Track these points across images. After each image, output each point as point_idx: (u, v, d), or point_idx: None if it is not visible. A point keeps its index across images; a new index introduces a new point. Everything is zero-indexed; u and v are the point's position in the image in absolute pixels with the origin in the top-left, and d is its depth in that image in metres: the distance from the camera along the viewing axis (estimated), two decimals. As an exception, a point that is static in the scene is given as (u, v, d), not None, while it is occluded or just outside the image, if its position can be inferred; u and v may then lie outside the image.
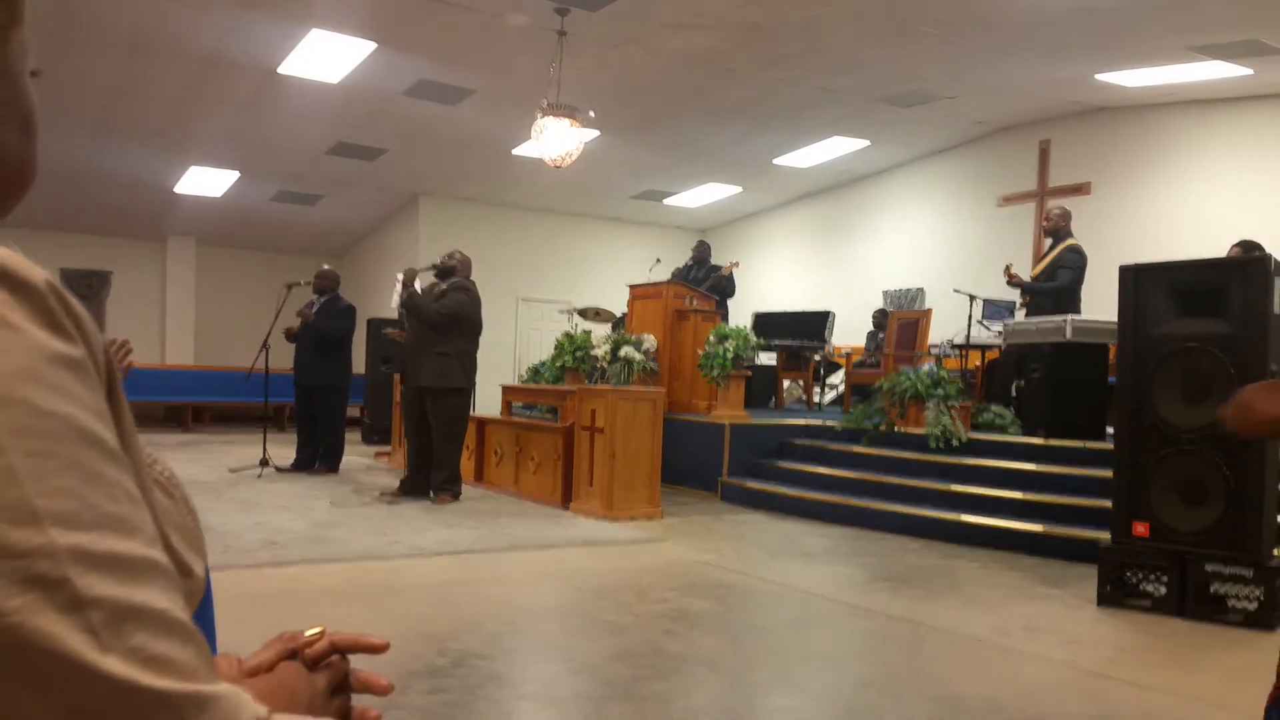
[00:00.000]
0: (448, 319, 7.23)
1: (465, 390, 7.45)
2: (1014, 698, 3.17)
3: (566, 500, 7.32)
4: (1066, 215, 8.13)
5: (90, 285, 14.33)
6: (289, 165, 12.19)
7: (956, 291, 8.92)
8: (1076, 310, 7.70)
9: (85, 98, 9.54)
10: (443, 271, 7.47)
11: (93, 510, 0.44)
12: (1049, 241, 8.29)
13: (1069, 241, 7.99)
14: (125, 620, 0.43)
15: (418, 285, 7.37)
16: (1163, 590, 4.48)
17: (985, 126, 11.35)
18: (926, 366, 8.00)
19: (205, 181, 12.64)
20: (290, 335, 8.72)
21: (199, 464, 9.01)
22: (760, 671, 3.46)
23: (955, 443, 7.06)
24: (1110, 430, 6.98)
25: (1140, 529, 4.56)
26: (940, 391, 7.31)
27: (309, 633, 0.86)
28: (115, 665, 0.42)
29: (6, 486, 0.41)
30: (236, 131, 10.87)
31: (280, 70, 9.04)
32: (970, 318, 8.79)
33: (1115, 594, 4.60)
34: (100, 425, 0.47)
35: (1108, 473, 6.07)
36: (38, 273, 0.47)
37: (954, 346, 9.20)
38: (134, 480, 0.48)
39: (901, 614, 4.28)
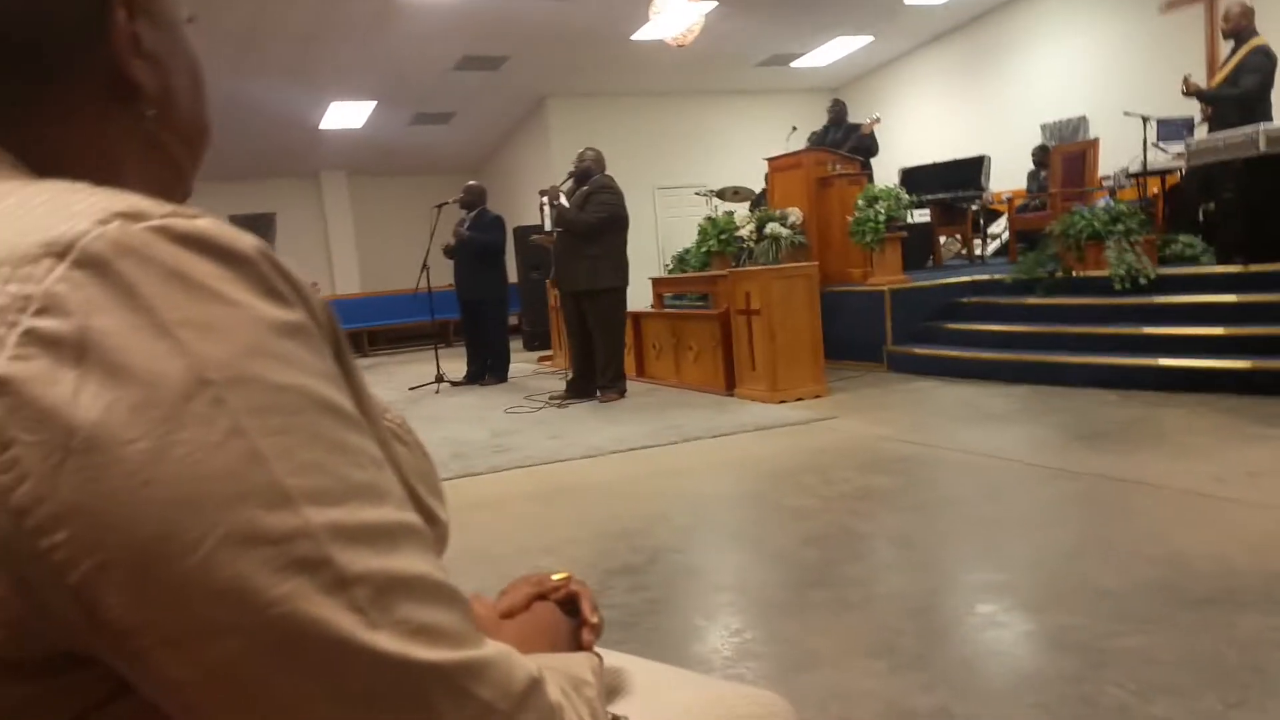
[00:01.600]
0: (602, 224, 7.18)
1: (620, 289, 7.43)
2: (1247, 553, 2.95)
3: (730, 386, 7.28)
4: (1248, 12, 7.26)
5: (258, 228, 15.05)
6: (420, 86, 12.29)
7: (1127, 114, 8.18)
8: (1267, 117, 6.95)
9: (219, 44, 9.79)
10: (580, 175, 7.39)
11: (342, 482, 0.43)
12: (1229, 45, 7.46)
13: (1255, 41, 7.17)
14: (390, 593, 0.42)
15: (563, 199, 7.32)
16: (1403, 418, 4.06)
17: (1143, -72, 10.21)
18: (1102, 202, 7.42)
19: (346, 114, 12.96)
20: (449, 252, 8.92)
21: (381, 386, 9.44)
22: (960, 546, 3.35)
23: (1142, 281, 6.56)
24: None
25: (1372, 354, 4.12)
26: (1120, 227, 6.78)
27: (555, 577, 0.88)
28: (386, 641, 0.41)
29: (255, 469, 0.40)
30: (367, 60, 10.98)
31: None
32: (1145, 141, 8.07)
33: (1346, 427, 4.21)
34: (334, 390, 0.45)
35: (1323, 294, 5.56)
36: (248, 240, 0.45)
37: (1128, 175, 8.51)
38: (374, 440, 0.46)
39: (1105, 472, 4.05)
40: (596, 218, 7.17)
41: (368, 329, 14.71)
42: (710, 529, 3.88)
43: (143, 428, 0.39)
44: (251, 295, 0.43)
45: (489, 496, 4.57)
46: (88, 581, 0.39)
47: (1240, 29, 7.24)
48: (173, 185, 0.62)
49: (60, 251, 0.41)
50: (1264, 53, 7.11)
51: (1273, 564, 2.84)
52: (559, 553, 3.56)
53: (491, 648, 0.46)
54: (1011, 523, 3.57)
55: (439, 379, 8.87)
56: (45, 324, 0.40)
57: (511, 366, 9.46)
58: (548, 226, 7.38)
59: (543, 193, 7.38)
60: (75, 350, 0.39)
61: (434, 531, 0.55)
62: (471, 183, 9.30)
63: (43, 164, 0.52)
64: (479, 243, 8.81)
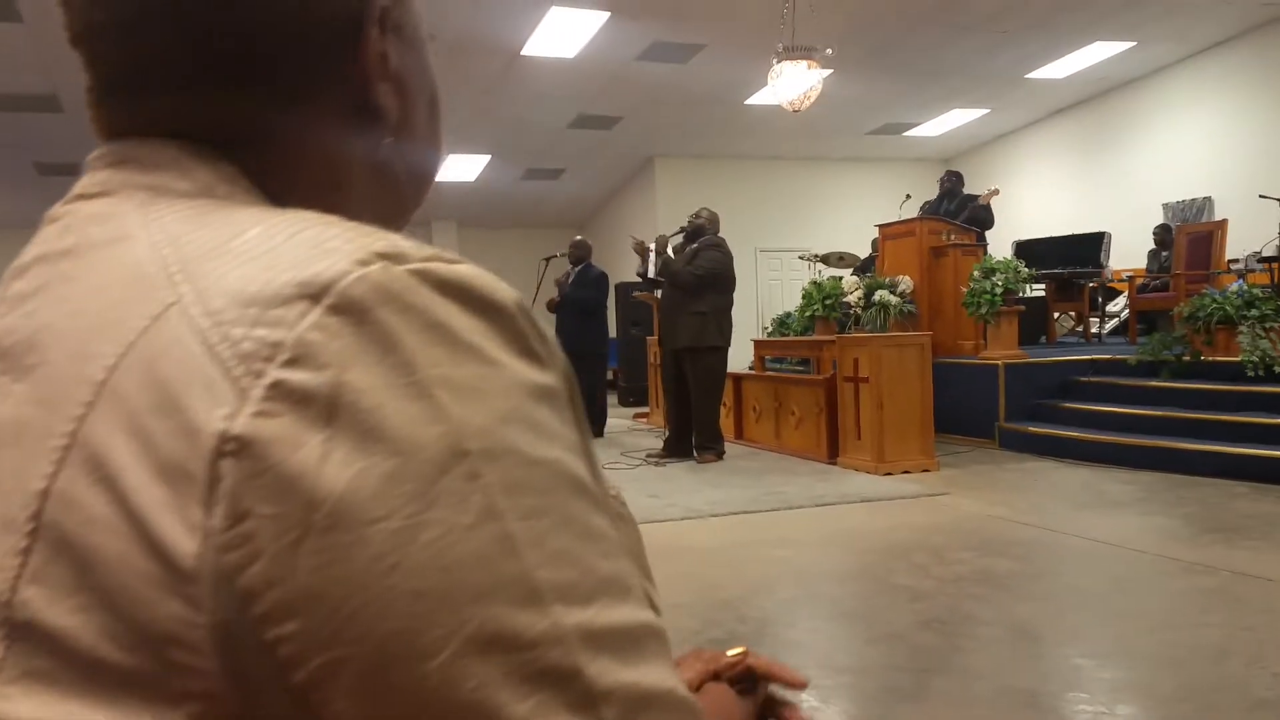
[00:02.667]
0: (704, 279, 7.16)
1: (722, 348, 7.37)
2: None
3: (833, 454, 7.11)
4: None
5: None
6: (534, 143, 12.60)
7: (1263, 197, 7.85)
8: None
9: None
10: (692, 232, 7.41)
11: (591, 575, 0.37)
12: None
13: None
14: (639, 713, 0.37)
15: (670, 250, 7.36)
16: None
17: (1272, 10, 9.88)
18: (1235, 284, 7.09)
19: (460, 167, 13.35)
20: (552, 306, 9.02)
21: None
22: (1092, 641, 3.15)
23: (1277, 369, 6.22)
24: None
25: None
26: (1255, 312, 6.46)
27: (730, 653, 0.80)
28: None
29: (506, 559, 0.35)
30: (485, 115, 11.30)
31: (523, 52, 9.27)
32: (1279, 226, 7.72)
33: None
34: (583, 466, 0.40)
35: None
36: (507, 291, 0.41)
37: (1260, 259, 8.12)
38: (612, 523, 0.41)
39: (1245, 569, 3.78)
40: (700, 273, 7.15)
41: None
42: (819, 603, 3.74)
43: (393, 504, 0.34)
44: (509, 354, 0.39)
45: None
46: (315, 682, 0.34)
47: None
48: (394, 219, 0.57)
49: (316, 294, 0.36)
50: None
51: None
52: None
53: None
54: (1145, 617, 3.34)
55: (536, 432, 8.91)
56: (296, 376, 0.35)
57: (608, 422, 9.45)
58: (651, 273, 7.39)
59: (654, 240, 7.42)
60: (326, 409, 0.35)
61: None
62: (578, 238, 9.42)
63: (279, 189, 0.48)
64: (580, 300, 8.89)
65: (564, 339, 8.96)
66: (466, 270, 0.40)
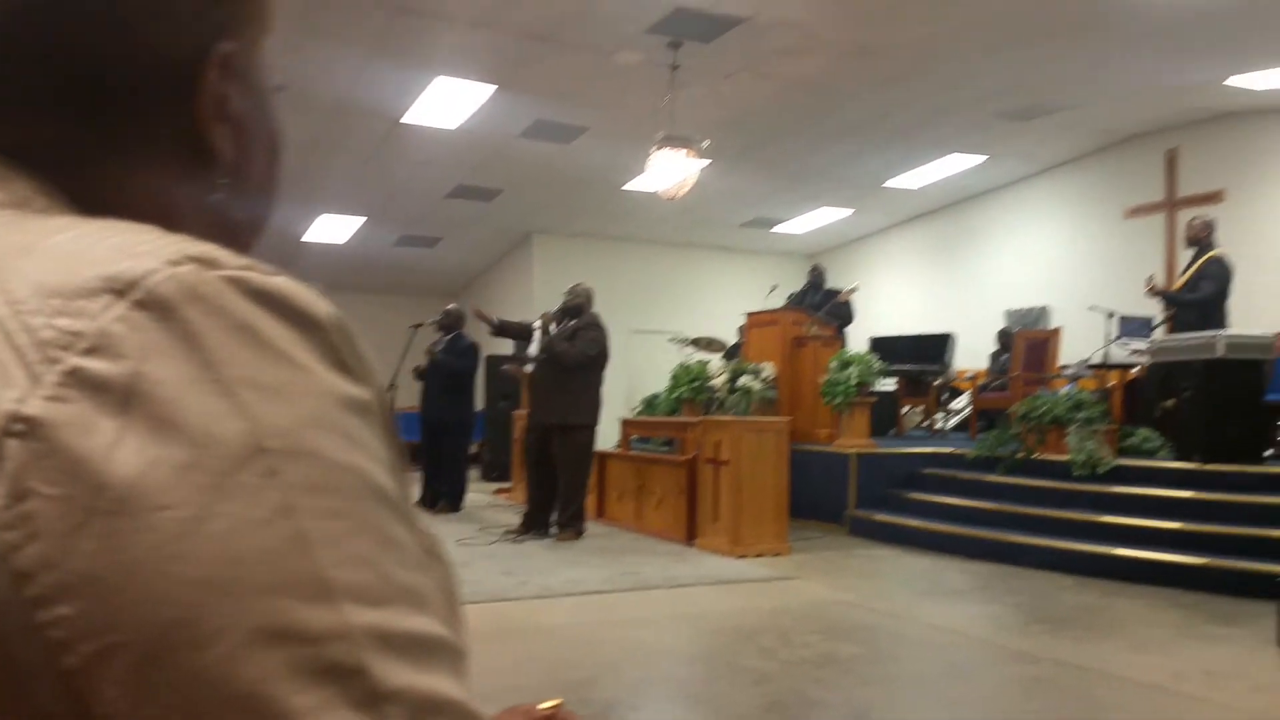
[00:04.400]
0: (590, 360, 7.28)
1: (592, 426, 7.44)
2: (1212, 756, 2.91)
3: (691, 536, 7.20)
4: (1209, 225, 7.69)
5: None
6: (411, 210, 12.53)
7: (1093, 308, 8.51)
8: (1222, 324, 7.27)
9: (216, 152, 9.97)
10: (572, 310, 7.49)
11: (387, 581, 0.37)
12: (1191, 253, 7.86)
13: (1214, 252, 7.56)
14: (425, 717, 0.36)
15: (552, 327, 7.42)
16: (1358, 631, 4.10)
17: (1109, 136, 10.88)
18: (1066, 388, 7.62)
19: (332, 229, 13.10)
20: (419, 373, 8.89)
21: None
22: (923, 723, 3.28)
23: (1101, 470, 6.68)
24: (1268, 453, 6.55)
25: (1328, 564, 4.19)
26: (1082, 414, 6.95)
27: (542, 706, 0.80)
28: None
29: (298, 555, 0.35)
30: (362, 179, 11.21)
31: (404, 120, 9.29)
32: (1107, 335, 8.37)
33: (1302, 635, 4.22)
34: (389, 479, 0.40)
35: (1275, 498, 5.69)
36: (325, 306, 0.41)
37: (1089, 366, 8.76)
38: (418, 540, 0.41)
39: (1067, 659, 4.02)
40: (586, 353, 7.26)
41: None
42: (665, 686, 3.77)
43: (184, 493, 0.34)
44: (321, 364, 0.39)
45: (439, 628, 4.41)
46: (85, 668, 0.33)
47: (1201, 239, 7.65)
48: None
49: (122, 289, 0.37)
50: (1221, 263, 7.49)
51: (1238, 772, 2.81)
52: (499, 700, 3.40)
53: None
54: (977, 704, 3.50)
55: (392, 501, 8.67)
56: (93, 364, 0.35)
57: (468, 496, 9.31)
58: (533, 351, 7.43)
59: (539, 318, 7.47)
60: (122, 397, 0.35)
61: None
62: (450, 306, 9.37)
63: (98, 212, 0.47)
64: (451, 367, 8.81)
65: (428, 407, 8.92)
66: (282, 281, 0.41)
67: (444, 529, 7.75)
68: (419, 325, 8.87)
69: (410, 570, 0.39)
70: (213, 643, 0.33)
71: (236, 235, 0.56)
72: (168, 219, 0.48)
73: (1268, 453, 6.44)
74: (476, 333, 9.61)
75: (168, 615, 0.33)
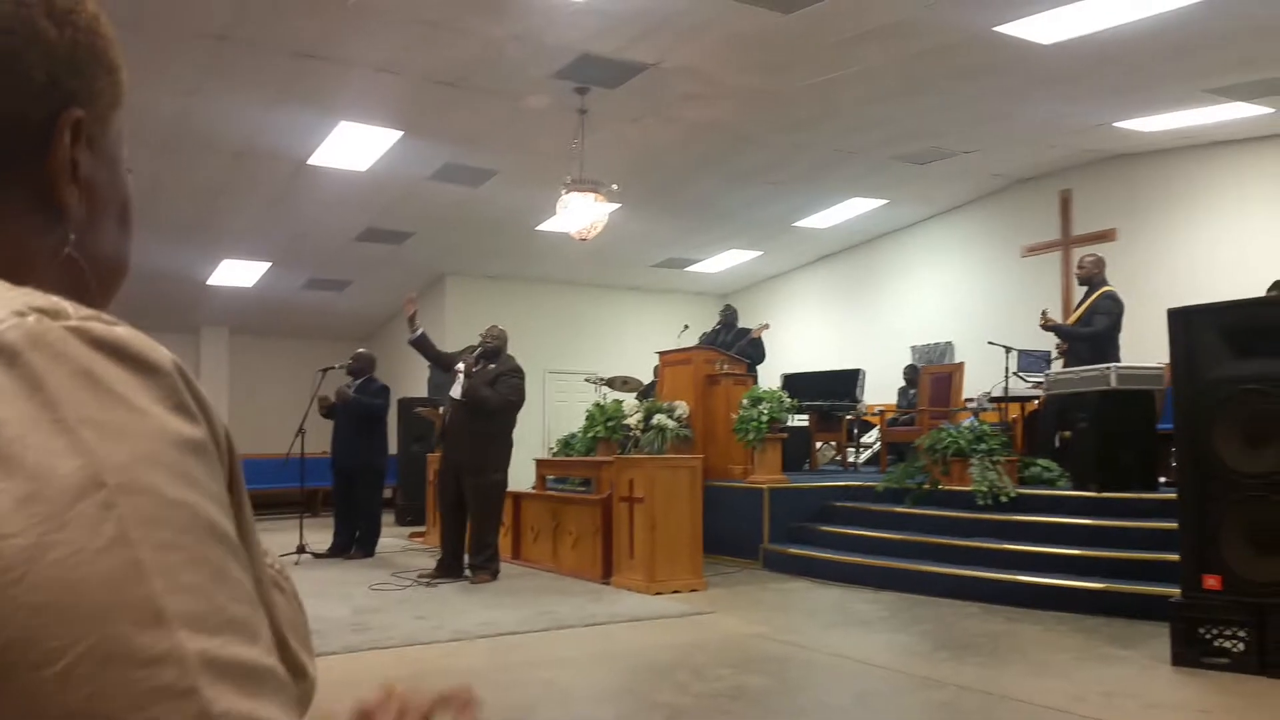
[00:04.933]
0: (510, 405, 7.31)
1: (505, 468, 7.40)
2: (1105, 770, 3.01)
3: (607, 574, 7.18)
4: (1100, 263, 8.05)
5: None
6: (319, 253, 12.35)
7: (991, 344, 8.81)
8: (1115, 357, 7.58)
9: (116, 195, 9.71)
10: (490, 353, 7.46)
11: (219, 612, 0.40)
12: (1083, 290, 8.20)
13: (1105, 289, 7.90)
14: None
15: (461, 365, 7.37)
16: (1241, 646, 4.27)
17: (1004, 179, 11.35)
18: (968, 421, 7.85)
19: (237, 273, 12.81)
20: (325, 409, 8.69)
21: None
22: (831, 751, 3.31)
23: (1004, 499, 6.89)
24: (1162, 480, 6.85)
25: (1211, 582, 4.38)
26: (984, 446, 7.16)
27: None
28: None
29: (134, 584, 0.38)
30: (268, 223, 11.03)
31: (310, 161, 9.20)
32: (1006, 370, 8.66)
33: (1190, 653, 4.39)
34: (224, 517, 0.43)
35: (1168, 524, 5.91)
36: (164, 353, 0.45)
37: (991, 399, 9.05)
38: (252, 578, 0.44)
39: (971, 684, 4.11)
40: (509, 400, 7.29)
41: (231, 491, 14.00)
42: (579, 723, 3.73)
43: (23, 523, 0.36)
44: (159, 407, 0.42)
45: (341, 679, 4.29)
46: None
47: (1092, 276, 7.99)
48: None
49: None
50: (1112, 298, 7.83)
51: (1129, 784, 2.90)
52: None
53: None
54: (881, 731, 3.55)
55: (301, 549, 8.45)
56: None
57: (381, 540, 9.13)
58: (455, 394, 7.35)
59: (462, 362, 7.41)
60: None
61: (300, 686, 0.52)
62: (361, 350, 9.24)
63: None
64: (362, 405, 8.67)
65: (339, 451, 8.74)
66: (123, 331, 0.44)
67: (357, 575, 7.58)
68: (328, 369, 8.74)
69: (241, 603, 0.42)
70: (50, 663, 0.35)
71: (87, 290, 0.58)
72: (19, 273, 0.51)
73: (1162, 480, 6.72)
74: (387, 377, 9.51)
75: (7, 636, 0.35)
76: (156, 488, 0.40)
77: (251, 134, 8.57)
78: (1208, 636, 4.39)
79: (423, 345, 7.67)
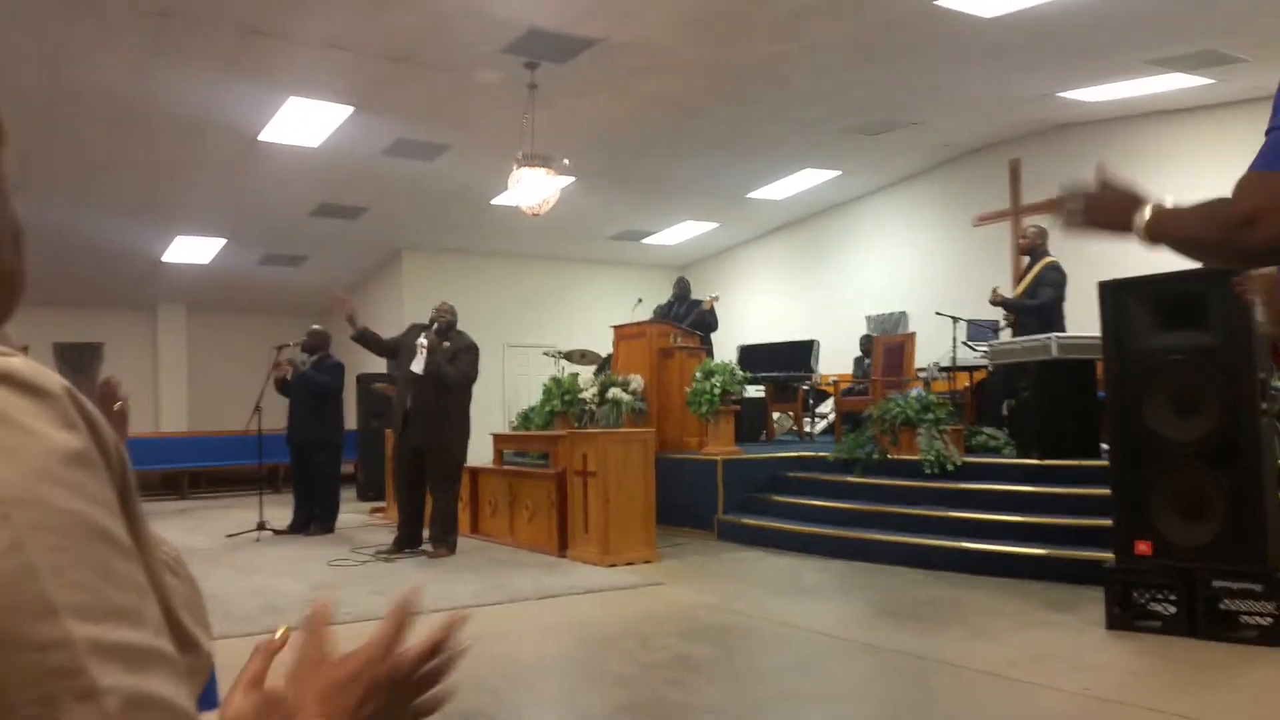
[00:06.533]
0: (470, 381, 7.40)
1: (464, 442, 7.46)
2: (1026, 730, 3.14)
3: (562, 547, 7.26)
4: (1043, 233, 8.17)
5: (83, 358, 14.29)
6: (274, 229, 12.23)
7: (939, 314, 8.94)
8: (1061, 327, 7.72)
9: (68, 172, 9.56)
10: (445, 329, 7.47)
11: (105, 603, 0.46)
12: (1026, 260, 8.34)
13: (1048, 259, 8.04)
14: (136, 707, 0.45)
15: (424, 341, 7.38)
16: (1172, 610, 4.43)
17: (953, 150, 11.46)
18: (915, 391, 7.99)
19: (192, 249, 12.67)
20: (280, 384, 8.67)
21: (197, 531, 8.92)
22: (766, 716, 3.42)
23: (950, 467, 7.04)
24: (1104, 447, 7.02)
25: (1143, 547, 4.54)
26: (931, 416, 7.30)
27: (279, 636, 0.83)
28: None
29: (27, 582, 0.44)
30: (221, 199, 10.90)
31: (261, 137, 9.10)
32: (955, 339, 8.81)
33: (1124, 616, 4.54)
34: (110, 520, 0.49)
35: (1106, 491, 6.09)
36: (56, 380, 0.50)
37: (941, 369, 9.20)
38: (143, 570, 0.51)
39: (908, 649, 4.24)
40: (469, 375, 7.38)
41: (190, 470, 13.86)
42: (525, 694, 3.81)
43: None
44: (50, 427, 0.48)
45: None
46: None
47: (1035, 246, 8.13)
48: None
49: None
50: (1056, 269, 7.97)
51: (1049, 743, 3.03)
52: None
53: None
54: (818, 696, 3.67)
55: (260, 526, 8.44)
56: None
57: (341, 517, 9.14)
58: (417, 369, 7.34)
59: (425, 339, 7.40)
60: None
61: (196, 657, 0.59)
62: (316, 327, 9.20)
63: None
64: (317, 382, 8.65)
65: (295, 427, 8.73)
66: (17, 362, 0.49)
67: (317, 550, 7.60)
68: (284, 346, 8.70)
69: (127, 593, 0.48)
70: None
71: None
72: None
73: (1104, 447, 6.88)
74: (343, 353, 9.46)
75: None
76: (46, 500, 0.46)
77: (201, 110, 8.45)
78: (1140, 600, 4.54)
79: (365, 340, 7.66)
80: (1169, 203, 1.50)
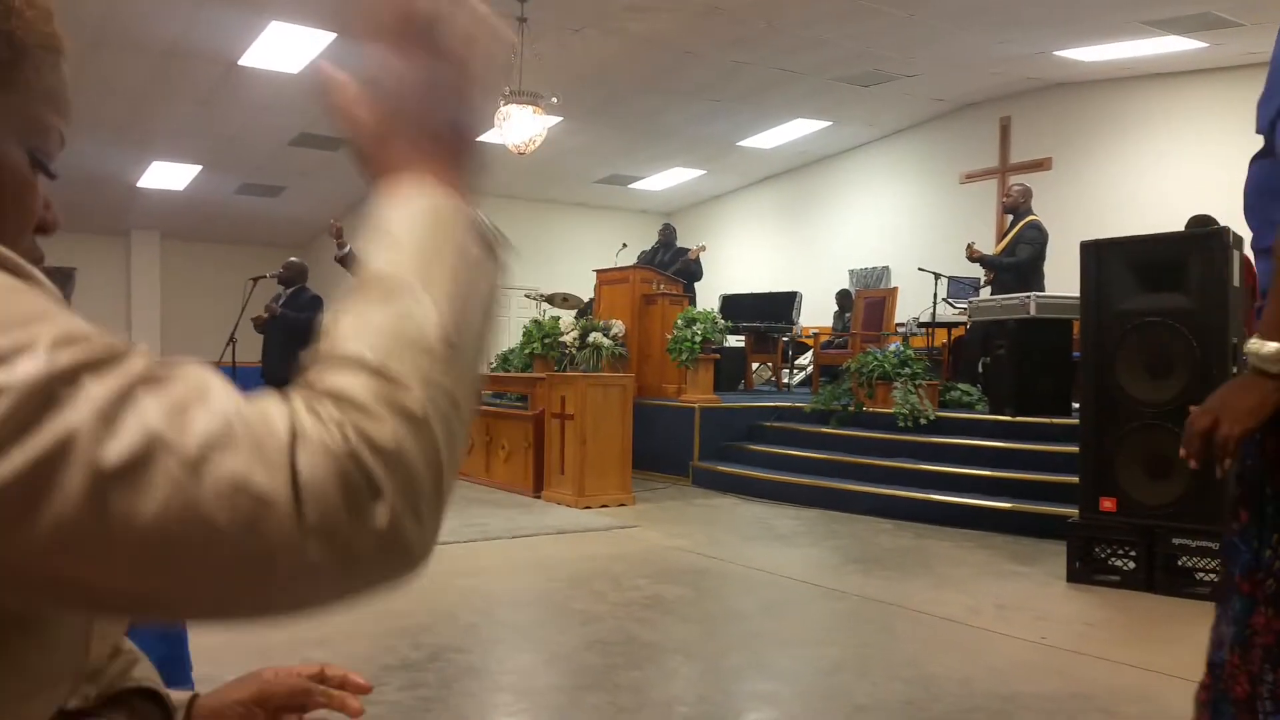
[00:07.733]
0: None
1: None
2: (986, 677, 3.21)
3: (538, 488, 7.31)
4: (1026, 192, 8.17)
5: (54, 282, 14.07)
6: (252, 157, 12.04)
7: (921, 270, 8.97)
8: (1039, 286, 7.76)
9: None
10: None
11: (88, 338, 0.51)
12: (1009, 218, 8.35)
13: (1029, 218, 8.05)
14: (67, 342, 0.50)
15: None
16: (1131, 565, 4.53)
17: (945, 104, 11.40)
18: (893, 346, 8.04)
19: (168, 175, 12.46)
20: (259, 325, 8.60)
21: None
22: (734, 657, 3.48)
23: (923, 421, 7.11)
24: (1076, 405, 7.10)
25: (1107, 504, 4.61)
26: (907, 370, 7.35)
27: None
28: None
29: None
30: (198, 125, 10.71)
31: (241, 62, 8.91)
32: (935, 296, 8.84)
33: (1084, 570, 4.65)
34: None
35: (1074, 448, 6.17)
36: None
37: (920, 325, 9.25)
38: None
39: (874, 595, 4.32)
40: None
41: (161, 399, 13.85)
42: (496, 629, 3.86)
43: None
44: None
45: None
46: None
47: (1018, 205, 8.14)
48: None
49: None
50: (1036, 228, 7.99)
51: (1009, 687, 3.11)
52: (334, 646, 3.44)
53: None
54: (784, 638, 3.73)
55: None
56: None
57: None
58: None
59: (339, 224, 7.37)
60: None
61: None
62: (293, 259, 9.09)
63: None
64: (292, 321, 8.58)
65: (270, 364, 8.67)
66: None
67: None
68: (259, 278, 8.61)
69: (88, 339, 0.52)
70: None
71: None
72: None
73: (1076, 405, 6.95)
74: (321, 286, 9.38)
75: None
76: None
77: (180, 33, 8.26)
78: (1101, 555, 4.64)
79: (349, 263, 7.58)
80: (1255, 333, 1.44)
